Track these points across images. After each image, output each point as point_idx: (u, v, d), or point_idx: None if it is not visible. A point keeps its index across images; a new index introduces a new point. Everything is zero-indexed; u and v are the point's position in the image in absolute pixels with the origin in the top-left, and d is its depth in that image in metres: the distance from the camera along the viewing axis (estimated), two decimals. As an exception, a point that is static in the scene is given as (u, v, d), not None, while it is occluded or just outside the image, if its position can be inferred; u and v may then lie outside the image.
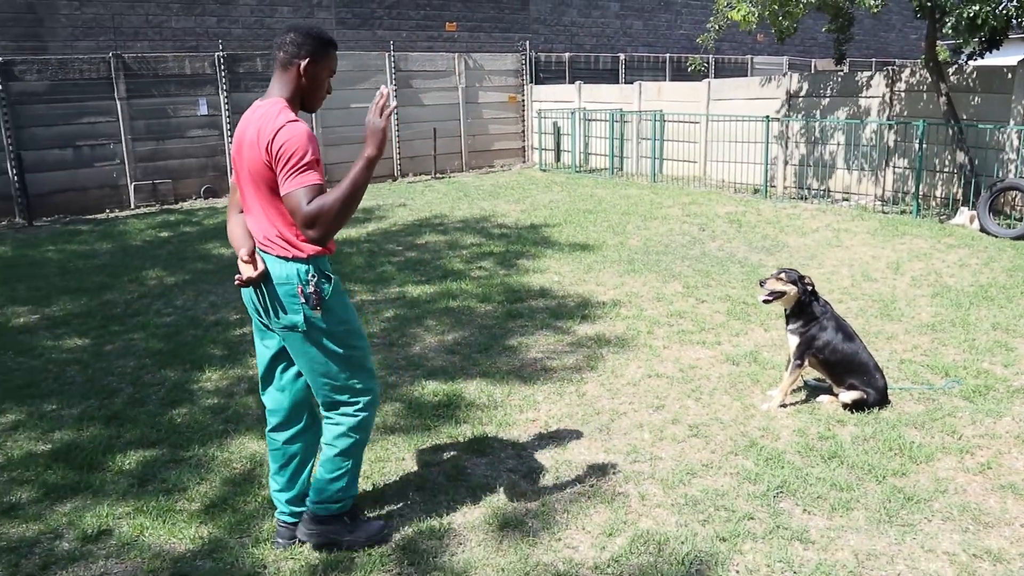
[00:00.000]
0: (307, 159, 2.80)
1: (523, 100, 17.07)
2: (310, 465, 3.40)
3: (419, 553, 3.29)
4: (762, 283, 4.73)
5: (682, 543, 3.33)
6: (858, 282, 7.26)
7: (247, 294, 3.12)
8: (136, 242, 10.12)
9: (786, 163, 12.70)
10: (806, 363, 4.62)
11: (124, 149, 12.89)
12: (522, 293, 7.10)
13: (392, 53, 15.24)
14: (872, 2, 9.46)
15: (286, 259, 2.98)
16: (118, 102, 12.75)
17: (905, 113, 11.29)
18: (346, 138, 14.90)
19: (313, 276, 2.98)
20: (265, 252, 3.02)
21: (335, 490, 3.22)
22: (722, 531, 3.41)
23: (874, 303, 6.62)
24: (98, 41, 14.40)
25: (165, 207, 12.95)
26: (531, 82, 17.09)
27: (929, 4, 9.43)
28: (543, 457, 4.11)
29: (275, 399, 3.29)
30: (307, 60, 2.96)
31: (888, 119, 11.38)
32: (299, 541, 3.31)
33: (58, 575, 3.24)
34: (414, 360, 5.53)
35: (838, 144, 12.02)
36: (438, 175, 15.71)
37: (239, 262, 3.05)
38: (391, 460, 4.08)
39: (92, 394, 5.14)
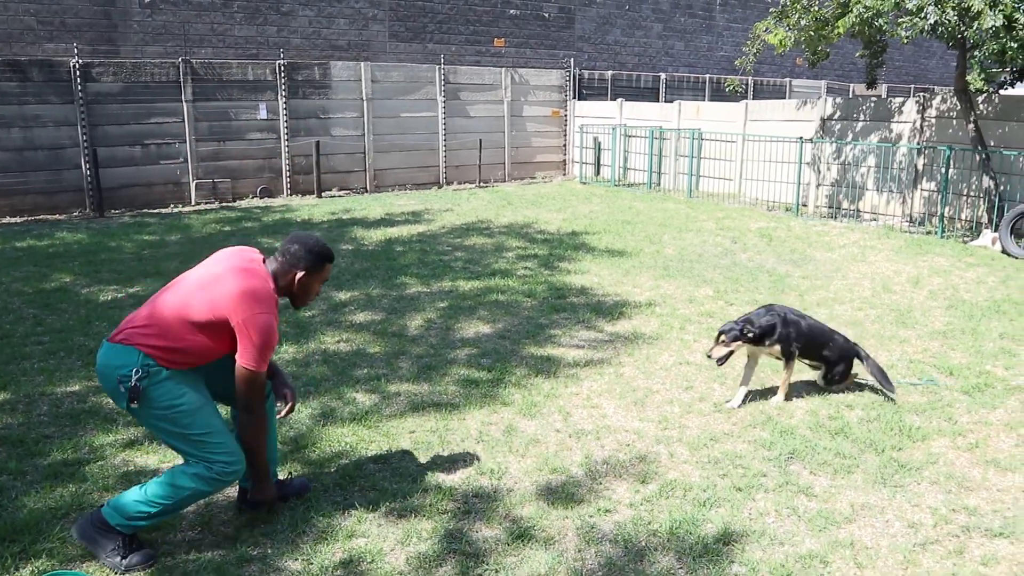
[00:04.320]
0: (269, 350, 3.30)
1: (566, 115, 17.79)
2: (272, 444, 3.75)
3: (481, 487, 3.96)
4: (709, 356, 5.02)
5: (704, 490, 3.97)
6: (878, 293, 7.83)
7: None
8: (201, 234, 10.94)
9: (818, 183, 13.26)
10: (796, 356, 5.15)
11: (188, 149, 13.78)
12: (564, 291, 7.77)
13: (442, 66, 16.05)
14: (904, 33, 10.02)
15: (135, 349, 3.26)
16: (184, 104, 13.65)
17: (935, 139, 11.81)
18: (395, 145, 15.72)
19: (138, 372, 3.24)
20: (123, 343, 3.28)
21: (134, 512, 3.33)
22: (738, 483, 4.04)
23: (891, 312, 7.18)
24: (166, 47, 15.35)
25: (224, 204, 13.80)
26: (574, 98, 17.81)
27: (960, 36, 9.98)
28: (585, 422, 4.78)
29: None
30: (303, 273, 3.46)
31: (919, 144, 11.91)
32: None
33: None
34: (469, 342, 6.24)
35: (868, 167, 12.56)
36: (482, 184, 16.47)
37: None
38: (454, 419, 4.78)
39: (185, 360, 5.87)
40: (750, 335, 4.94)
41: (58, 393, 5.26)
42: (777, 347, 5.04)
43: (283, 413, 3.67)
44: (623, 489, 3.99)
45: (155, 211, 13.22)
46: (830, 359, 5.21)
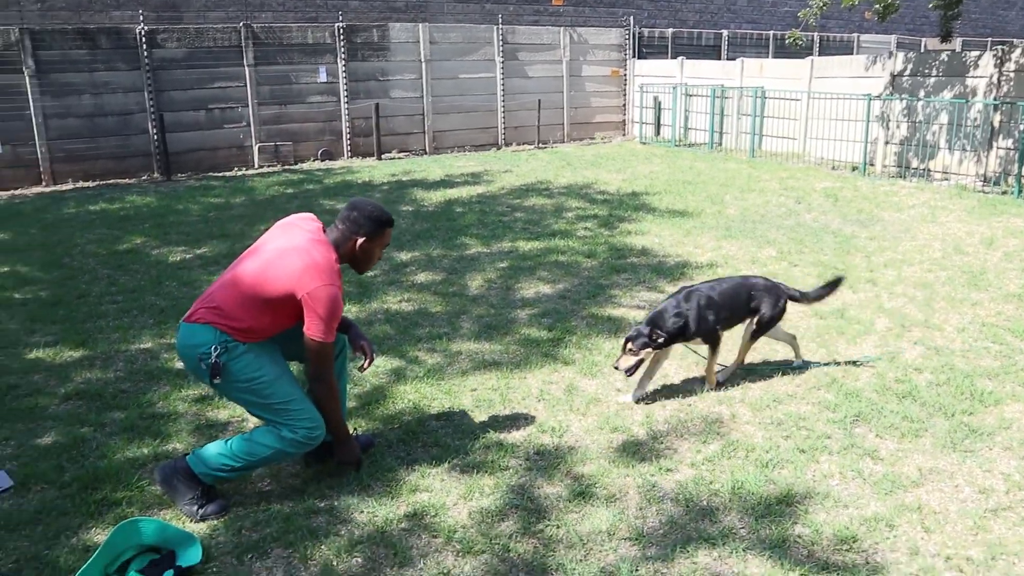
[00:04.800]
0: (335, 321, 3.39)
1: (625, 74, 17.53)
2: (342, 400, 3.81)
3: (542, 445, 4.01)
4: (616, 367, 4.45)
5: (766, 451, 3.93)
6: (949, 255, 7.59)
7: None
8: (264, 196, 11.13)
9: (887, 142, 12.84)
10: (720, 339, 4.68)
11: (251, 113, 13.96)
12: (625, 251, 7.76)
13: (500, 26, 15.91)
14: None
15: (212, 328, 3.35)
16: (246, 68, 13.81)
17: (1014, 94, 11.31)
18: (454, 107, 15.70)
19: (216, 348, 3.34)
20: (199, 322, 3.38)
21: (218, 464, 3.45)
22: (802, 445, 3.99)
23: (963, 274, 6.96)
24: (227, 12, 15.50)
25: (286, 167, 13.99)
26: (634, 57, 17.51)
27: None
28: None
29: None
30: (364, 239, 3.51)
31: (996, 100, 11.42)
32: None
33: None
34: (529, 302, 6.29)
35: (940, 124, 12.11)
36: (541, 145, 16.39)
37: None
38: (515, 378, 4.82)
39: (252, 319, 6.02)
40: (660, 340, 4.36)
41: (132, 350, 5.44)
42: (699, 339, 4.56)
43: (366, 366, 3.79)
44: (685, 448, 3.98)
45: (220, 174, 13.47)
46: (760, 308, 4.72)
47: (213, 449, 3.51)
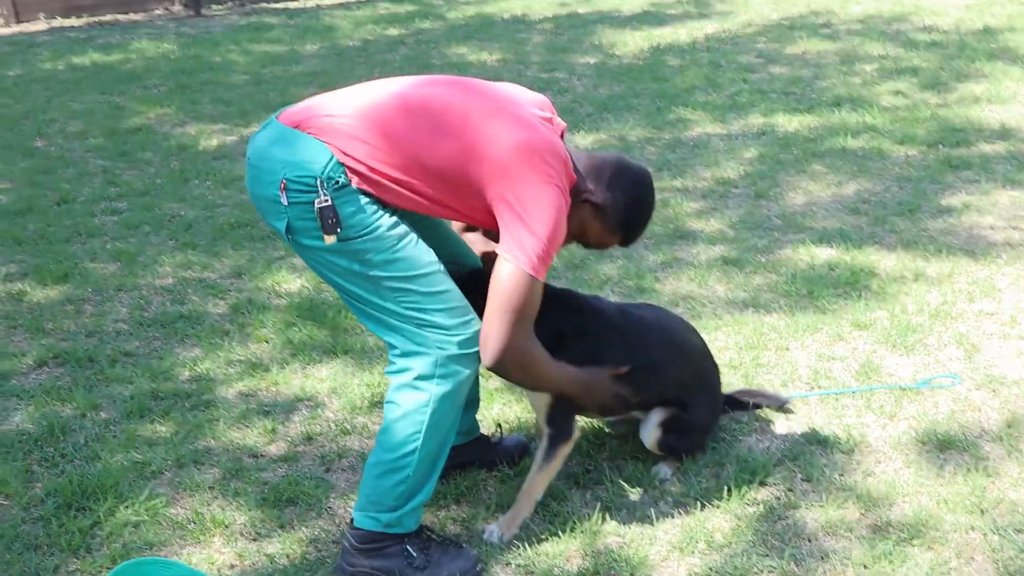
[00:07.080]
0: (556, 246, 3.19)
1: None
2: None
3: (815, 463, 3.90)
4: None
5: None
6: None
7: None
8: (352, 42, 11.44)
9: None
10: None
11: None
12: (968, 132, 7.59)
13: None
14: None
15: (326, 147, 3.15)
16: None
17: None
18: None
19: (326, 183, 3.12)
20: (313, 134, 3.19)
21: (389, 490, 3.33)
22: None
23: None
24: None
25: (387, -8, 14.28)
26: None
27: None
28: (1008, 365, 4.57)
29: None
30: (600, 204, 3.37)
31: None
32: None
33: (321, 443, 4.20)
34: (795, 219, 6.26)
35: None
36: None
37: None
38: (768, 346, 4.77)
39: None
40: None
41: (142, 288, 5.71)
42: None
43: None
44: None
45: (279, 5, 13.86)
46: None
47: (369, 479, 3.41)
